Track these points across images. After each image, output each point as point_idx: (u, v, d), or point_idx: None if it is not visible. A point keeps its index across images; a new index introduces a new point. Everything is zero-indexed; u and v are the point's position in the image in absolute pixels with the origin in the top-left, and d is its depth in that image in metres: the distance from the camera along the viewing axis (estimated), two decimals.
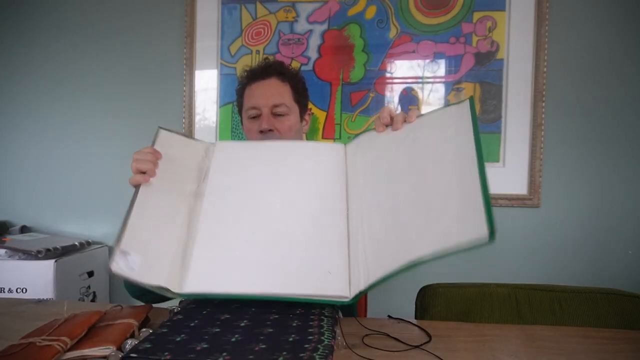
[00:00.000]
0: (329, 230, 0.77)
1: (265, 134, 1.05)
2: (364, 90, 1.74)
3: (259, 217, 0.79)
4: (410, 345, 0.71)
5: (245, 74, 1.13)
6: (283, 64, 1.15)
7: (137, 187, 0.78)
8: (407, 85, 1.72)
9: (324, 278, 0.70)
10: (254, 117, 1.07)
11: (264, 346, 0.60)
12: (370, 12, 1.73)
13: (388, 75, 1.74)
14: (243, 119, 1.12)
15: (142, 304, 0.81)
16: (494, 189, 1.69)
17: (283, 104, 1.06)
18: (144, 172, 0.79)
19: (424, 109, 1.72)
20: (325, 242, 0.75)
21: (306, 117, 1.16)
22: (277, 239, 0.76)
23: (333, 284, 0.69)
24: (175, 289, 0.68)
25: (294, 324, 0.65)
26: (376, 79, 1.74)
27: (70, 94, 1.93)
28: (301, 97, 1.13)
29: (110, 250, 1.90)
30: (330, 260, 0.73)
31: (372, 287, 0.67)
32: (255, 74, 1.10)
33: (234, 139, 1.82)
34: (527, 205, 1.67)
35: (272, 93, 1.07)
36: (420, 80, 1.72)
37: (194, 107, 1.85)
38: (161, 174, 0.81)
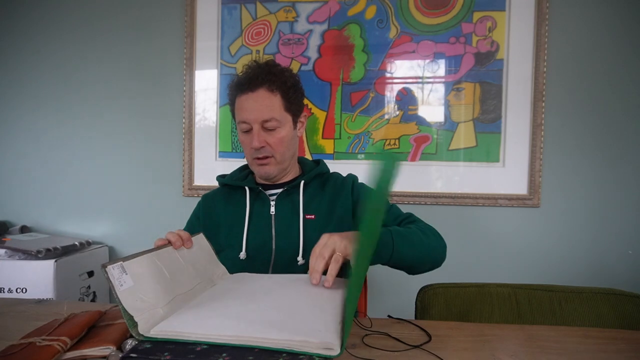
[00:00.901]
0: (326, 306, 0.74)
1: (258, 150, 1.05)
2: (364, 90, 1.74)
3: (257, 296, 0.77)
4: (410, 345, 0.71)
5: (234, 83, 1.08)
6: (272, 67, 1.06)
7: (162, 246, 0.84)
8: (406, 85, 1.73)
9: (311, 329, 0.63)
10: (246, 131, 1.06)
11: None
12: (370, 12, 1.73)
13: (388, 75, 1.73)
14: (237, 129, 1.11)
15: None
16: (494, 189, 1.69)
17: (273, 119, 1.03)
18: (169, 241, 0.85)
19: (423, 109, 1.72)
20: (320, 311, 0.71)
21: (301, 119, 1.13)
22: (269, 305, 0.72)
23: (320, 333, 0.62)
24: (141, 329, 0.64)
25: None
26: (376, 79, 1.74)
27: (71, 94, 1.94)
28: (293, 104, 1.07)
29: (111, 251, 1.92)
30: (321, 323, 0.66)
31: (348, 324, 0.63)
32: (243, 86, 1.04)
33: (234, 139, 1.82)
34: (527, 205, 1.67)
35: (261, 108, 1.02)
36: (420, 80, 1.72)
37: (194, 107, 1.85)
38: (189, 254, 0.87)
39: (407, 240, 0.91)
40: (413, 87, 1.72)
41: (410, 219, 1.05)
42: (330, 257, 0.81)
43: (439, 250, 0.98)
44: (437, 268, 0.99)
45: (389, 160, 0.74)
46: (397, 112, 1.73)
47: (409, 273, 0.99)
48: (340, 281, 0.87)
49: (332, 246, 0.81)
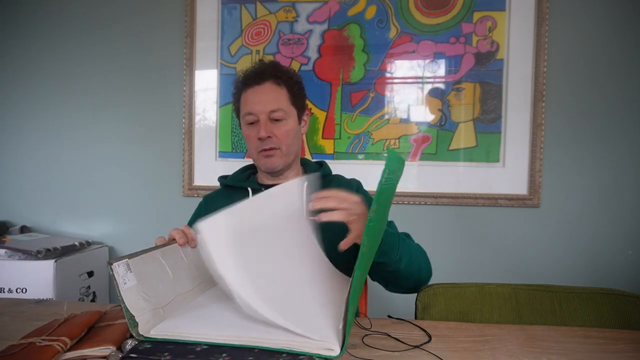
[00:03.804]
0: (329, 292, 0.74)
1: (264, 141, 1.05)
2: (364, 90, 1.74)
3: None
4: (410, 345, 0.71)
5: (240, 78, 1.11)
6: (278, 65, 1.11)
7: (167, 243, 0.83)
8: (407, 83, 1.73)
9: (313, 329, 0.62)
10: (251, 123, 1.07)
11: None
12: (370, 12, 1.73)
13: (388, 75, 1.73)
14: (241, 124, 1.12)
15: None
16: (494, 189, 1.69)
17: (280, 109, 1.05)
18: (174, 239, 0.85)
19: (423, 109, 1.72)
20: (323, 311, 0.70)
21: (304, 117, 1.15)
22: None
23: (321, 329, 0.62)
24: (141, 330, 0.65)
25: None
26: (376, 79, 1.74)
27: (70, 94, 1.93)
28: (298, 99, 1.10)
29: (110, 251, 1.91)
30: (322, 323, 0.65)
31: (349, 324, 0.62)
32: (250, 79, 1.07)
33: (234, 139, 1.82)
34: (527, 205, 1.67)
35: (269, 98, 1.05)
36: (420, 80, 1.72)
37: (194, 107, 1.85)
38: (192, 253, 0.86)
39: (408, 249, 0.90)
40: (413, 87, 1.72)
41: (410, 238, 1.05)
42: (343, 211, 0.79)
43: (426, 273, 0.99)
44: (412, 293, 0.99)
45: (397, 160, 0.73)
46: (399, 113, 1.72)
47: (389, 285, 0.99)
48: (343, 279, 0.87)
49: (352, 207, 0.80)
